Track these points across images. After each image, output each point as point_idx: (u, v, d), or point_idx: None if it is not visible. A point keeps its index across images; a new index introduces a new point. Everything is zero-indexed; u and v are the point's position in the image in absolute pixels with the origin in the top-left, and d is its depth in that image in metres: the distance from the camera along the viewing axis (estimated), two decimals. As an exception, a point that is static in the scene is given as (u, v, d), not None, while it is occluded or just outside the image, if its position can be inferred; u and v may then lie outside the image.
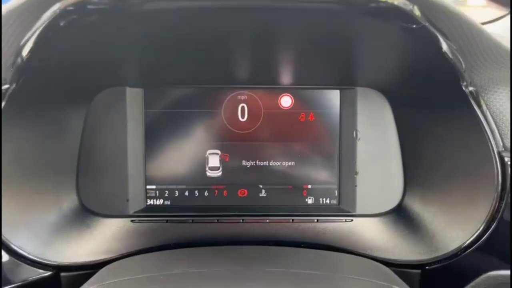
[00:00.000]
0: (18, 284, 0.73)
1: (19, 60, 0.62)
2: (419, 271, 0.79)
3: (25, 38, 0.59)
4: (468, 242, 0.73)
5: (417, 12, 0.58)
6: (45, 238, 0.79)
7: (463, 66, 0.65)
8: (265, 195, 0.94)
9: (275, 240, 0.87)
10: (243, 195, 0.94)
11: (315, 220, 0.89)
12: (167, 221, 0.88)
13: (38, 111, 0.76)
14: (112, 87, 0.88)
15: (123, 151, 0.89)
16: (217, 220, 0.88)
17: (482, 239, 0.72)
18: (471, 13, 0.67)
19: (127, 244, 0.84)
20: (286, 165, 0.93)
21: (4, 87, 0.65)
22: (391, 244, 0.84)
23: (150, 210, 0.92)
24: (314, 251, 0.81)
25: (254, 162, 0.93)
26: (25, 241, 0.75)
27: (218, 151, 0.92)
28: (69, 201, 0.86)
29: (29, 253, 0.74)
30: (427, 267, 0.78)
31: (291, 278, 0.61)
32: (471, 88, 0.67)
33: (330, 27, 0.65)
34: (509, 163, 0.68)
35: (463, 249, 0.73)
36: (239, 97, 0.92)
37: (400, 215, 0.88)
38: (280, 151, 0.93)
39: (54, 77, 0.73)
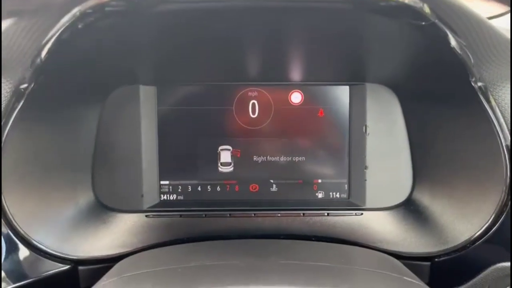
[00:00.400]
0: (38, 277, 0.75)
1: (38, 60, 0.64)
2: (428, 263, 0.80)
3: (45, 40, 0.61)
4: (477, 234, 0.73)
5: (427, 9, 0.59)
6: (63, 233, 0.81)
7: (472, 61, 0.66)
8: (276, 189, 0.95)
9: (286, 233, 0.88)
10: (255, 190, 0.95)
11: (326, 214, 0.90)
12: (180, 215, 0.89)
13: (55, 109, 0.78)
14: (126, 85, 0.89)
15: (137, 148, 0.90)
16: (229, 214, 0.89)
17: (491, 232, 0.73)
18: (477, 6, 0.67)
19: (142, 238, 0.86)
20: (297, 160, 0.94)
21: (23, 86, 0.67)
22: (400, 237, 0.85)
23: (164, 205, 0.93)
24: (325, 244, 0.82)
25: (265, 157, 0.94)
26: (44, 236, 0.77)
27: (230, 147, 0.94)
28: (86, 197, 0.88)
29: (48, 248, 0.76)
30: (436, 259, 0.79)
31: (305, 270, 0.62)
32: (480, 84, 0.67)
33: (340, 26, 0.66)
34: (517, 157, 0.68)
35: (472, 242, 0.74)
36: (250, 93, 0.93)
37: (410, 209, 0.89)
38: (290, 146, 0.94)
39: (71, 76, 0.75)
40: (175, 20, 0.64)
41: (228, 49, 0.78)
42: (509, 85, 0.68)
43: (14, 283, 0.72)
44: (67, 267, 0.79)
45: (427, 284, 0.68)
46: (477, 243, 0.74)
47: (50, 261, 0.77)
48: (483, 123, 0.70)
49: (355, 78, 0.90)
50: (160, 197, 0.95)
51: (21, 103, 0.68)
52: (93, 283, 0.65)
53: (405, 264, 0.75)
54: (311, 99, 0.93)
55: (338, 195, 0.95)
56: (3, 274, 0.72)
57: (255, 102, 0.93)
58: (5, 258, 0.72)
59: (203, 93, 0.92)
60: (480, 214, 0.74)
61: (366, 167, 0.91)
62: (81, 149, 0.87)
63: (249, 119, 0.93)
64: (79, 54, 0.69)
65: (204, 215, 0.89)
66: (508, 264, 0.73)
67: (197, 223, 0.89)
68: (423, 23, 0.61)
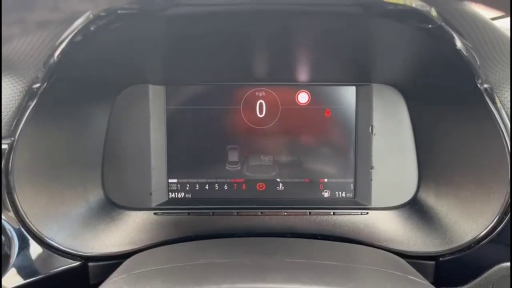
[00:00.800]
0: (49, 273, 0.77)
1: (51, 61, 0.66)
2: (433, 262, 0.81)
3: (59, 41, 0.63)
4: (481, 234, 0.74)
5: (434, 13, 0.60)
6: (73, 230, 0.82)
7: (478, 63, 0.66)
8: (282, 188, 0.96)
9: (292, 232, 0.89)
10: (261, 189, 0.96)
11: (332, 213, 0.91)
12: (188, 213, 0.90)
13: (67, 108, 0.79)
14: (136, 85, 0.90)
15: (146, 146, 0.91)
16: (237, 212, 0.90)
17: (495, 232, 0.73)
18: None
19: (150, 235, 0.87)
20: (303, 159, 0.95)
21: (36, 85, 0.69)
22: (405, 237, 0.86)
23: (172, 203, 0.94)
24: (331, 242, 0.83)
25: (271, 156, 0.95)
26: (56, 233, 0.78)
27: (237, 146, 0.95)
28: (95, 195, 0.89)
29: (59, 244, 0.77)
30: (441, 259, 0.80)
31: (311, 268, 0.63)
32: (486, 85, 0.68)
33: (348, 28, 0.67)
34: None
35: (476, 241, 0.75)
36: (257, 93, 0.94)
37: (415, 208, 0.90)
38: (297, 146, 0.95)
39: (82, 76, 0.76)
40: (185, 22, 0.65)
41: (236, 50, 0.79)
42: (512, 87, 0.69)
43: (25, 279, 0.73)
44: (77, 263, 0.80)
45: (432, 283, 0.69)
46: (481, 242, 0.75)
47: (61, 258, 0.78)
48: (488, 124, 0.70)
49: (362, 78, 0.91)
50: (168, 195, 0.96)
51: (34, 102, 0.70)
52: (103, 280, 0.66)
53: (410, 263, 0.76)
54: (318, 99, 0.94)
55: (344, 195, 0.96)
56: (14, 270, 0.73)
57: (263, 102, 0.94)
58: (17, 254, 0.74)
59: (211, 93, 0.93)
60: (485, 214, 0.75)
61: (372, 167, 0.92)
62: (91, 148, 0.89)
63: (256, 119, 0.94)
64: (91, 54, 0.70)
65: (211, 213, 0.90)
66: (512, 263, 0.73)
67: (205, 221, 0.90)
68: (430, 26, 0.61)
